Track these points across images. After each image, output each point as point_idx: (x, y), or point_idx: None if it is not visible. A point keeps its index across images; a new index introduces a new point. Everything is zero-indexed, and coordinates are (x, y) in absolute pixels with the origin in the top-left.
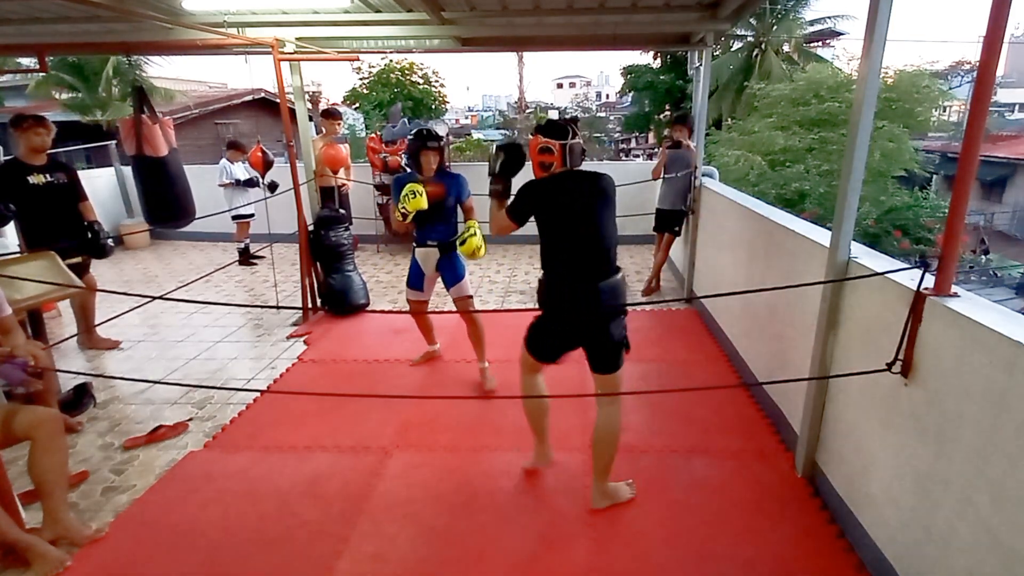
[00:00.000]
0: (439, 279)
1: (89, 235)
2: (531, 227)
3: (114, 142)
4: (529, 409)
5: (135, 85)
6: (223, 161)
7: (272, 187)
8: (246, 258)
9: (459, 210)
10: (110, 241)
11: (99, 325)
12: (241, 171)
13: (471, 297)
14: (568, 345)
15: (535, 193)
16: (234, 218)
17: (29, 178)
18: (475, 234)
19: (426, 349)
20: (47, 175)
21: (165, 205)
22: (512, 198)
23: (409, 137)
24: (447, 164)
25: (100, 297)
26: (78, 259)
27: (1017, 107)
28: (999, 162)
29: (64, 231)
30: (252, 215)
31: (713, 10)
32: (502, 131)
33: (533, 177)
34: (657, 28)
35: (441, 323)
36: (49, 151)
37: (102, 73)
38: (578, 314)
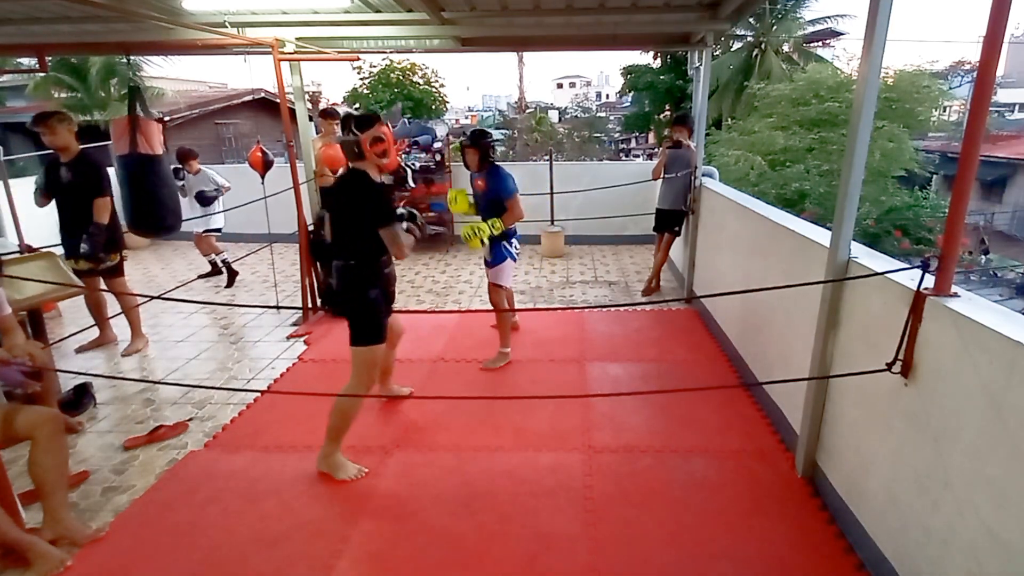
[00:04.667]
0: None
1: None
2: (532, 226)
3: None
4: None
5: (131, 85)
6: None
7: (201, 198)
8: (213, 273)
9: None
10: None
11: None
12: (193, 179)
13: (499, 287)
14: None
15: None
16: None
17: (59, 174)
18: (479, 226)
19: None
20: (70, 173)
21: (155, 208)
22: None
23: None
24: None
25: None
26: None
27: (1017, 107)
28: (999, 162)
29: (75, 231)
30: (218, 229)
31: (713, 10)
32: (502, 131)
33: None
34: (657, 28)
35: (440, 322)
36: (82, 147)
37: (98, 73)
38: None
